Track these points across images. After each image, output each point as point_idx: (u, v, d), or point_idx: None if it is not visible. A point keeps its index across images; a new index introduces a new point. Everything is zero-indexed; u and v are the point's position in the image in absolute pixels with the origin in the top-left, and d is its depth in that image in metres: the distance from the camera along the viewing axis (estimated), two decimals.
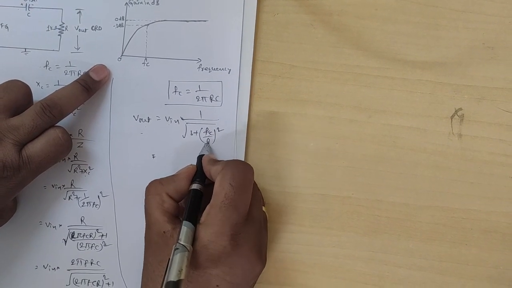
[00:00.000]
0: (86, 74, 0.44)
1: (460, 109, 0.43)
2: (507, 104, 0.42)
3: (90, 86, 0.43)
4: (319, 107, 0.44)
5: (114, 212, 0.44)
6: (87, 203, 0.45)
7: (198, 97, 0.44)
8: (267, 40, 0.45)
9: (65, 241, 0.44)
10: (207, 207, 0.37)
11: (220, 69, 0.44)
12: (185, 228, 0.36)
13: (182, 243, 0.35)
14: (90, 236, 0.44)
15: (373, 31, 0.44)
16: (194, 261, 0.36)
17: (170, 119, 0.44)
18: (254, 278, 0.38)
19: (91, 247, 0.44)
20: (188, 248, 0.35)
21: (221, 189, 0.37)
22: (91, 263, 0.44)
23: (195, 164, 0.42)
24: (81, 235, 0.44)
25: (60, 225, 0.45)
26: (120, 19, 0.45)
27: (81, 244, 0.44)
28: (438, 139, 0.43)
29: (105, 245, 0.44)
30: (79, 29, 0.45)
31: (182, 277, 0.33)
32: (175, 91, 0.45)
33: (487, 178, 0.42)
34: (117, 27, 0.45)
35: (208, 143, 0.44)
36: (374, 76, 0.44)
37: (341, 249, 0.43)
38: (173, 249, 0.35)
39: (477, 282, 0.42)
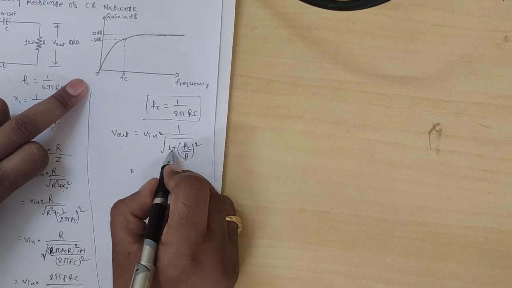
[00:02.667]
0: (63, 89, 0.44)
1: (438, 124, 0.43)
2: (485, 119, 0.42)
3: (67, 101, 0.43)
4: (298, 122, 0.44)
5: (92, 227, 0.44)
6: (66, 218, 0.44)
7: (176, 112, 0.44)
8: (245, 54, 0.44)
9: (44, 256, 0.44)
10: (166, 227, 0.37)
11: (198, 83, 0.44)
12: (147, 247, 0.36)
13: (142, 263, 0.35)
14: (69, 251, 0.44)
15: (351, 45, 0.44)
16: (156, 281, 0.36)
17: (148, 133, 0.44)
18: None
19: (70, 262, 0.44)
20: (149, 267, 0.35)
21: (175, 209, 0.37)
22: (70, 278, 0.44)
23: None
24: (59, 250, 0.44)
25: (39, 240, 0.44)
26: (97, 33, 0.45)
27: (60, 259, 0.44)
28: (416, 154, 0.43)
29: (83, 260, 0.44)
30: (57, 43, 0.45)
31: None
32: (153, 106, 0.44)
33: (465, 193, 0.42)
34: (95, 41, 0.45)
35: (172, 150, 0.43)
36: (352, 90, 0.43)
37: (319, 263, 0.43)
38: (134, 270, 0.35)
39: None
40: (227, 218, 0.41)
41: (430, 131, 0.43)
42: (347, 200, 0.43)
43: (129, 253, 0.38)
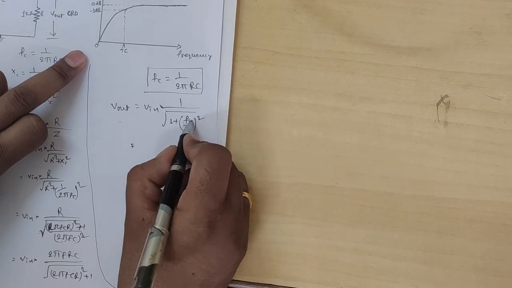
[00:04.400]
0: (62, 60, 0.43)
1: (446, 96, 0.42)
2: (494, 90, 0.41)
3: (66, 73, 0.42)
4: (302, 95, 0.43)
5: (92, 203, 0.43)
6: (64, 193, 0.43)
7: (178, 85, 0.43)
8: (248, 25, 0.43)
9: (42, 233, 0.43)
10: (183, 193, 0.36)
11: (200, 55, 0.43)
12: (162, 212, 0.35)
13: (157, 227, 0.34)
14: (68, 227, 0.43)
15: (357, 16, 0.43)
16: (169, 247, 0.35)
17: (149, 107, 0.43)
18: (232, 266, 0.37)
19: (69, 238, 0.43)
20: (163, 232, 0.34)
21: (196, 175, 0.36)
22: (69, 255, 0.43)
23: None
24: (58, 227, 0.43)
25: (37, 217, 0.43)
26: (96, 4, 0.44)
27: (59, 235, 0.43)
28: (423, 127, 0.42)
29: (83, 236, 0.43)
30: (55, 15, 0.44)
31: (156, 261, 0.33)
32: (154, 79, 0.43)
33: (473, 167, 0.41)
34: (94, 12, 0.44)
35: (192, 121, 0.42)
36: (359, 62, 0.42)
37: (325, 239, 0.42)
38: (148, 233, 0.34)
39: (462, 272, 0.41)
40: (244, 194, 0.40)
41: (438, 104, 0.42)
42: (353, 174, 0.42)
43: (143, 219, 0.37)
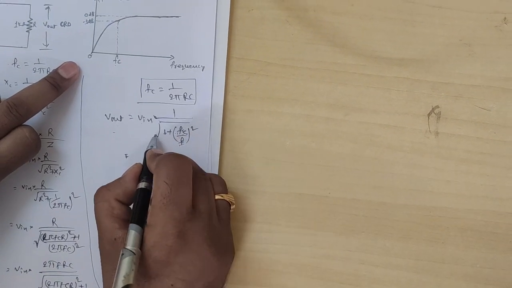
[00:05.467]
0: (55, 71, 0.43)
1: (437, 106, 0.42)
2: (484, 101, 0.42)
3: (59, 84, 0.42)
4: (295, 105, 0.43)
5: (86, 213, 0.43)
6: (59, 204, 0.44)
7: (171, 95, 0.43)
8: (241, 36, 0.44)
9: (37, 243, 0.43)
10: (150, 208, 0.37)
11: (193, 66, 0.43)
12: (132, 232, 0.36)
13: (128, 247, 0.35)
14: (62, 237, 0.43)
15: (349, 27, 0.43)
16: (143, 265, 0.36)
17: (143, 117, 0.43)
18: (215, 271, 0.37)
19: (63, 249, 0.43)
20: (134, 251, 0.35)
21: (157, 189, 0.36)
22: (64, 265, 0.43)
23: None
24: (52, 237, 0.43)
25: (31, 227, 0.44)
26: (90, 15, 0.44)
27: (53, 246, 0.43)
28: (415, 137, 0.42)
29: (77, 246, 0.43)
30: (48, 25, 0.44)
31: (130, 281, 0.33)
32: (148, 89, 0.43)
33: (464, 176, 0.42)
34: (87, 23, 0.44)
35: (155, 135, 0.43)
36: (351, 73, 0.43)
37: (318, 248, 0.42)
38: (120, 255, 0.35)
39: (453, 280, 0.42)
40: (217, 197, 0.40)
41: (429, 114, 0.42)
42: (345, 184, 0.42)
43: (115, 239, 0.37)
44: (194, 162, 0.40)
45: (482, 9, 0.42)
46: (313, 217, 0.43)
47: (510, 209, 0.41)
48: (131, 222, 0.37)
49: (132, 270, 0.34)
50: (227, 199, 0.41)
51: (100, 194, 0.39)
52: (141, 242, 0.36)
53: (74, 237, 0.43)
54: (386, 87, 0.43)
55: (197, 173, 0.39)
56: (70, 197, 0.43)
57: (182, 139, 0.43)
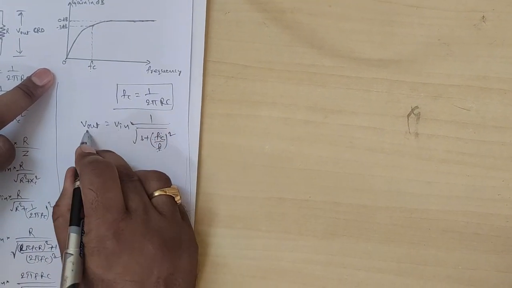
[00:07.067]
0: (28, 79, 0.42)
1: (417, 107, 0.42)
2: (463, 101, 0.42)
3: (33, 92, 0.41)
4: (274, 108, 0.43)
5: None
6: (35, 214, 0.43)
7: (148, 101, 0.43)
8: (218, 39, 0.43)
9: (14, 254, 0.43)
10: (85, 217, 0.37)
11: (170, 71, 0.43)
12: (71, 235, 0.37)
13: (68, 251, 0.36)
14: (39, 248, 0.43)
15: (327, 28, 0.43)
16: (87, 273, 0.36)
17: (119, 124, 0.43)
18: (163, 266, 0.37)
19: (41, 259, 0.43)
20: (73, 253, 0.36)
21: (84, 197, 0.37)
22: (42, 276, 0.43)
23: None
24: (30, 247, 0.43)
25: (8, 238, 0.43)
26: (63, 20, 0.43)
27: (30, 256, 0.43)
28: (394, 138, 0.42)
29: (55, 257, 0.42)
30: (21, 32, 0.43)
31: (69, 283, 0.35)
32: (124, 95, 0.43)
33: (444, 177, 0.41)
34: (61, 28, 0.43)
35: (87, 131, 0.42)
36: (329, 75, 0.42)
37: (299, 253, 0.42)
38: (63, 258, 0.36)
39: (436, 282, 0.41)
40: (157, 193, 0.39)
41: (408, 115, 0.42)
42: (326, 187, 0.42)
43: None
44: (124, 163, 0.41)
45: (460, 8, 0.42)
46: (294, 222, 0.42)
47: (491, 209, 0.41)
48: (70, 225, 0.37)
49: (72, 270, 0.35)
50: (168, 193, 0.40)
51: (53, 213, 0.39)
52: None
53: (52, 247, 0.42)
54: (365, 88, 0.42)
55: (123, 175, 0.39)
56: (46, 207, 0.43)
57: (159, 145, 0.43)
